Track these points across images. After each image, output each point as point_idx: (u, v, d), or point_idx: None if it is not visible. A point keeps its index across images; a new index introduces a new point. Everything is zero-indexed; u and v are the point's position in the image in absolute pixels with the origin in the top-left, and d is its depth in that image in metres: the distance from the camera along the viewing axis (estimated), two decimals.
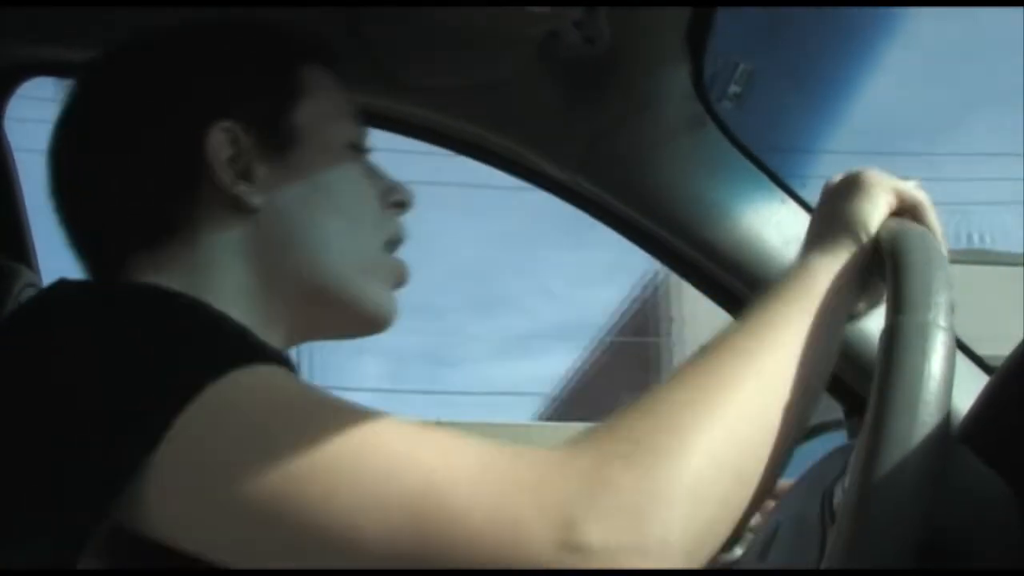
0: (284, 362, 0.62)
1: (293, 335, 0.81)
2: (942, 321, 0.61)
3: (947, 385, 0.60)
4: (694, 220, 1.16)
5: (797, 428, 0.62)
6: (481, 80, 1.10)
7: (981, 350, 1.12)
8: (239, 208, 0.77)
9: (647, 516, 0.52)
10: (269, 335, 0.74)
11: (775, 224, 1.17)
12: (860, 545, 0.56)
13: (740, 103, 1.17)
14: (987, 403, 0.70)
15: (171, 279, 0.74)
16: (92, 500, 0.55)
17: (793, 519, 0.81)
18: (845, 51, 1.27)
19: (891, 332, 0.62)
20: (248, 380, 0.58)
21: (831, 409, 1.22)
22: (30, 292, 1.08)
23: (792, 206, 1.18)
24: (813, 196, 1.19)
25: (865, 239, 0.71)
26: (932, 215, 0.75)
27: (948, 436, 0.59)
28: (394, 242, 0.84)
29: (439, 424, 0.58)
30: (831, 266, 0.70)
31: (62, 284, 0.68)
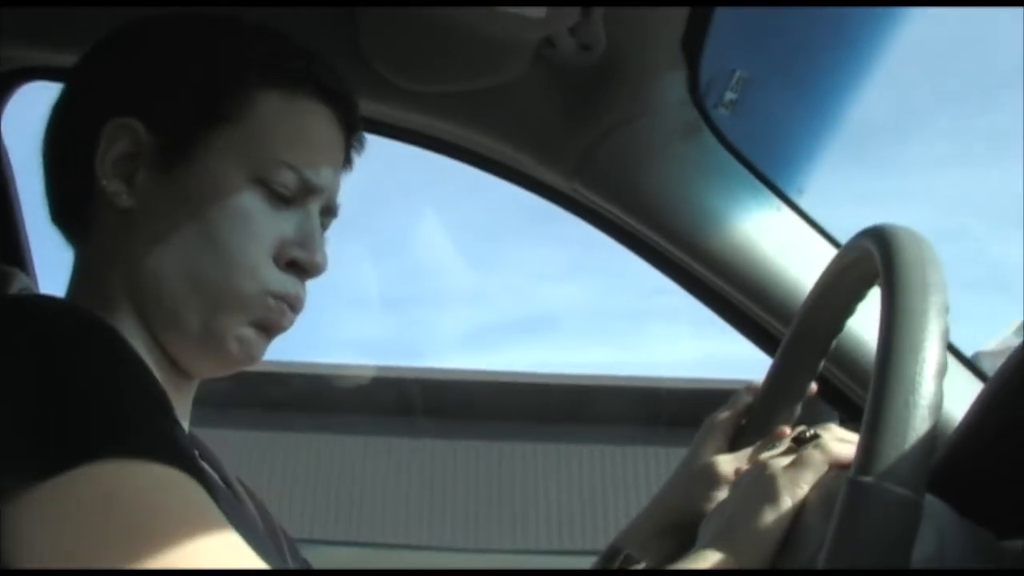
0: (188, 465, 0.60)
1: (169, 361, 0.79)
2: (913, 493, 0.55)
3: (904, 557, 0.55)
4: (689, 227, 1.16)
5: None
6: (476, 86, 1.10)
7: None
8: (113, 208, 0.77)
9: None
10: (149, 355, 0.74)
11: (770, 231, 1.17)
12: None
13: (736, 110, 1.17)
14: (957, 446, 0.69)
15: (78, 276, 0.80)
16: None
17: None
18: (841, 59, 1.27)
19: (851, 489, 0.56)
20: (130, 473, 0.57)
21: (828, 415, 1.22)
22: None
23: (787, 213, 1.18)
24: (809, 203, 1.19)
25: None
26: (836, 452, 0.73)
27: None
28: (279, 296, 0.78)
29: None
30: None
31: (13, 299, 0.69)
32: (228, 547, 0.58)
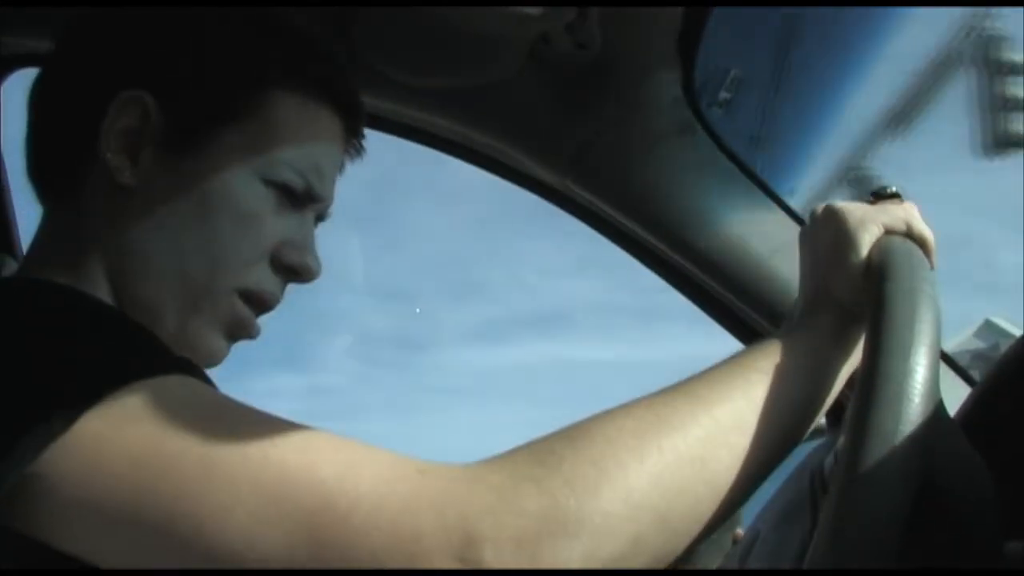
0: (191, 370, 0.60)
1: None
2: (928, 289, 0.62)
3: (936, 337, 0.59)
4: (680, 225, 1.17)
5: (749, 481, 0.60)
6: (472, 82, 1.10)
7: None
8: (112, 182, 0.74)
9: (545, 545, 0.51)
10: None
11: (761, 232, 1.17)
12: (853, 498, 0.55)
13: (730, 110, 1.17)
14: (981, 395, 0.71)
15: (50, 242, 0.76)
16: None
17: (778, 515, 0.81)
18: (836, 60, 1.27)
19: (879, 295, 0.62)
20: (151, 390, 0.56)
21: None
22: None
23: (779, 214, 1.18)
24: (800, 204, 1.20)
25: (855, 302, 0.68)
26: (920, 226, 0.72)
27: (938, 390, 0.58)
28: (251, 296, 0.77)
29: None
30: (817, 338, 0.68)
31: None
32: (262, 418, 0.56)
